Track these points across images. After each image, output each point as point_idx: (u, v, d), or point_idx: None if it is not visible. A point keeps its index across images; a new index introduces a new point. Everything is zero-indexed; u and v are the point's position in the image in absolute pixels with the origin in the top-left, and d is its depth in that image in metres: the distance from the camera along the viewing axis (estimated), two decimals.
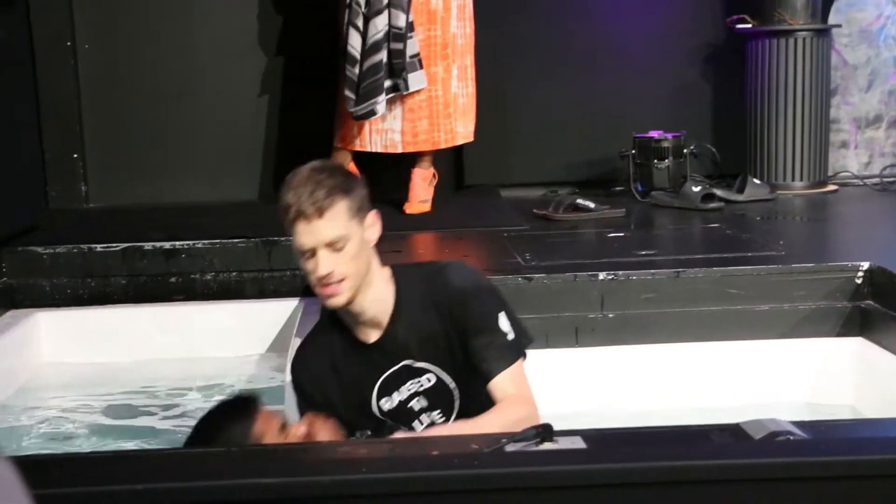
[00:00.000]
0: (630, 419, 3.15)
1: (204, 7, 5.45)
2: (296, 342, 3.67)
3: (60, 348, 4.12)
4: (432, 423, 2.44)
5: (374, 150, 4.80)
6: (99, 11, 5.40)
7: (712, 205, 4.85)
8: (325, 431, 2.33)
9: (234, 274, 4.35)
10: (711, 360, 3.50)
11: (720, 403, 3.32)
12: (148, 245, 4.31)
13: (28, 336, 4.05)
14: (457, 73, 4.78)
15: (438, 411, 2.44)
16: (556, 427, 1.92)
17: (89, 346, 4.13)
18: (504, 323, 2.41)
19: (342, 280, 2.31)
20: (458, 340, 2.41)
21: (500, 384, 2.37)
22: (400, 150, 4.80)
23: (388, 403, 2.44)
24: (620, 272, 3.63)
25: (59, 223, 4.85)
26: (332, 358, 2.46)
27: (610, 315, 3.58)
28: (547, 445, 1.88)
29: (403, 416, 2.44)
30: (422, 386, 2.44)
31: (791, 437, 1.86)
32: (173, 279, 4.31)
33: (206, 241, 4.36)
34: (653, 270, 3.66)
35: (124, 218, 5.03)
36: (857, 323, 3.55)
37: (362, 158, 4.90)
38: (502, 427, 2.18)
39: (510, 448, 1.87)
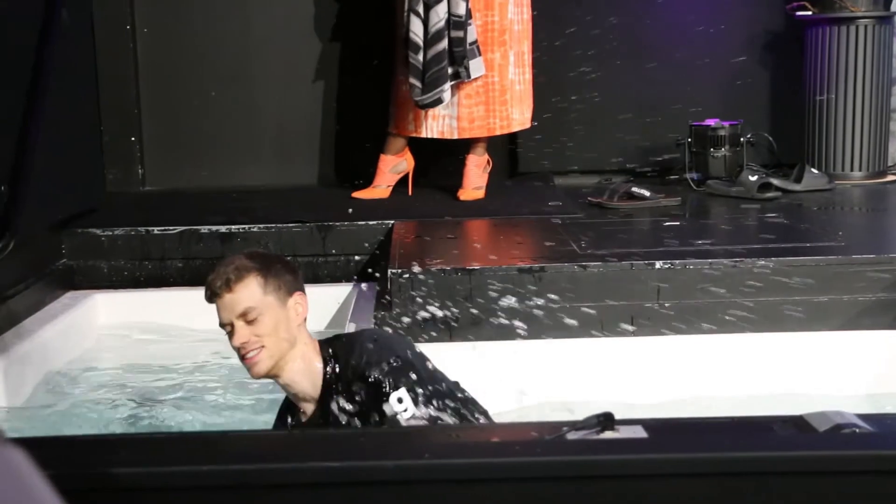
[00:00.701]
0: (688, 409, 3.13)
1: None
2: (350, 326, 3.69)
3: (117, 329, 4.16)
4: None
5: (429, 136, 4.80)
6: None
7: (769, 194, 4.80)
8: None
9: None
10: (770, 350, 3.46)
11: (779, 394, 3.29)
12: (204, 228, 4.35)
13: (86, 316, 4.10)
14: (514, 60, 4.76)
15: None
16: (616, 415, 1.91)
17: (146, 328, 4.17)
18: (406, 402, 2.39)
19: (260, 349, 2.41)
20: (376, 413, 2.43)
21: None
22: (456, 136, 4.79)
23: None
24: (677, 261, 3.61)
25: (117, 206, 4.90)
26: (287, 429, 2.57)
27: (666, 304, 3.56)
28: (608, 434, 1.87)
29: None
30: None
31: (857, 430, 1.83)
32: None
33: (261, 226, 4.39)
34: (710, 260, 3.63)
35: (180, 201, 5.07)
36: None
37: (416, 144, 4.91)
38: None
39: (571, 436, 1.86)
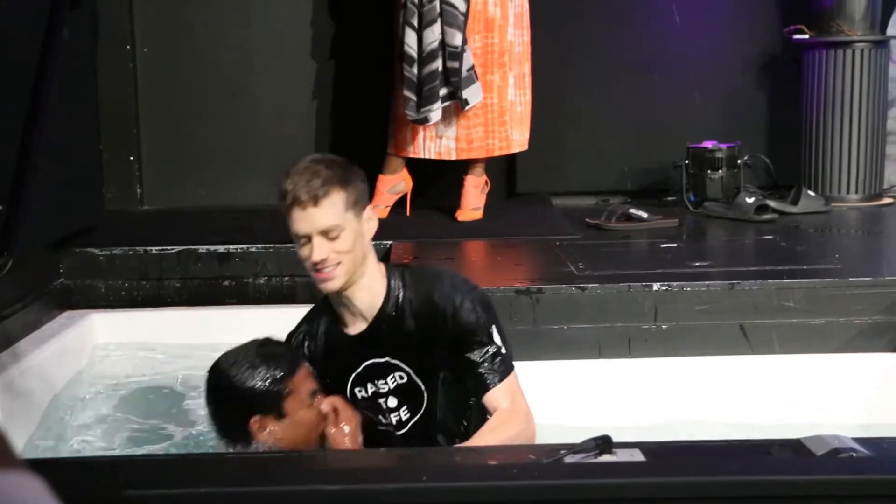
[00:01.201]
0: (684, 431, 3.13)
1: (260, 11, 5.49)
2: None
3: (115, 349, 4.16)
4: (400, 420, 2.53)
5: (427, 157, 4.81)
6: (158, 15, 5.46)
7: (766, 216, 4.81)
8: (347, 414, 2.40)
9: (286, 278, 4.38)
10: (766, 373, 3.47)
11: (775, 417, 3.29)
12: (202, 248, 4.35)
13: (84, 336, 4.10)
14: (514, 82, 4.78)
15: (406, 408, 2.53)
16: (614, 438, 1.92)
17: (143, 348, 4.17)
18: (497, 337, 2.48)
19: (337, 265, 2.40)
20: (445, 349, 2.47)
21: (494, 398, 2.46)
22: (454, 157, 4.81)
23: (361, 392, 2.54)
24: (674, 283, 3.61)
25: (115, 225, 4.90)
26: (317, 343, 2.58)
27: (664, 326, 3.57)
28: (606, 457, 1.88)
29: (375, 408, 2.54)
30: (395, 383, 2.52)
31: (854, 454, 1.84)
32: (226, 283, 4.34)
33: (259, 245, 4.39)
34: (707, 282, 3.64)
35: (179, 221, 5.08)
36: None
37: (415, 165, 4.92)
38: (508, 437, 2.33)
39: (569, 459, 1.87)
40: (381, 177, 4.95)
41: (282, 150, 5.55)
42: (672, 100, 5.52)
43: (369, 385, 2.54)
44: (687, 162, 5.16)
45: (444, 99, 4.62)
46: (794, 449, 1.91)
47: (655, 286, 3.60)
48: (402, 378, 2.52)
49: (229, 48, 5.49)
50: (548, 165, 5.51)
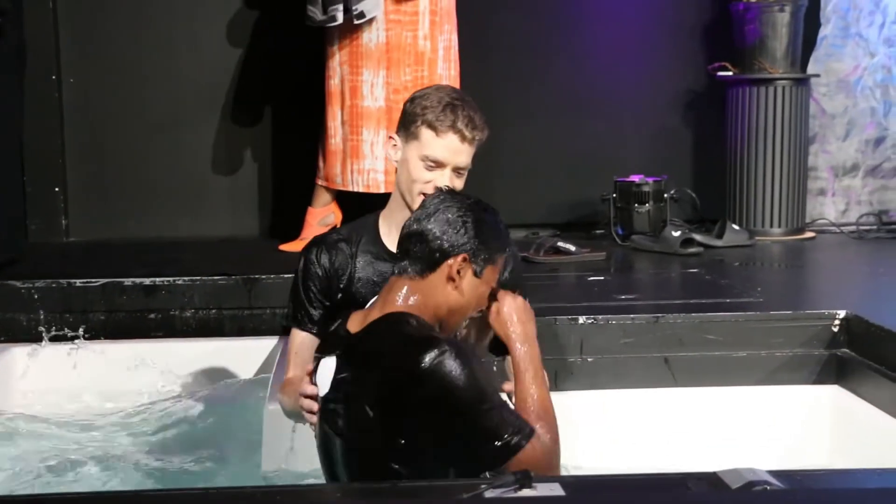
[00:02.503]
0: (607, 464, 3.15)
1: (188, 42, 5.47)
2: (275, 380, 3.66)
3: (37, 383, 4.09)
4: None
5: (356, 190, 4.81)
6: (85, 45, 5.41)
7: (691, 249, 4.89)
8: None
9: (213, 311, 4.34)
10: (689, 405, 3.51)
11: (697, 449, 3.33)
12: (128, 281, 4.29)
13: (5, 371, 4.02)
14: None
15: None
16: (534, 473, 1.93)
17: (66, 381, 4.10)
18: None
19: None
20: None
21: None
22: (382, 190, 4.81)
23: None
24: (600, 316, 3.65)
25: (39, 257, 4.83)
26: (355, 251, 2.61)
27: (589, 359, 3.60)
28: (526, 492, 1.88)
29: None
30: None
31: (768, 487, 1.86)
32: (153, 315, 4.29)
33: (186, 278, 4.35)
34: (632, 315, 3.68)
35: (104, 253, 5.02)
36: (833, 371, 3.57)
37: (344, 197, 4.92)
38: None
39: (489, 494, 1.87)
40: (310, 209, 4.95)
41: (210, 182, 5.54)
42: (600, 134, 5.60)
43: None
44: (614, 195, 5.22)
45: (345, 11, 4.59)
46: (711, 482, 1.93)
47: (581, 319, 3.63)
48: None
49: (156, 79, 5.45)
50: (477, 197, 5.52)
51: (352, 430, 2.18)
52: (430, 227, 2.23)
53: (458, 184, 2.50)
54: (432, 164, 2.50)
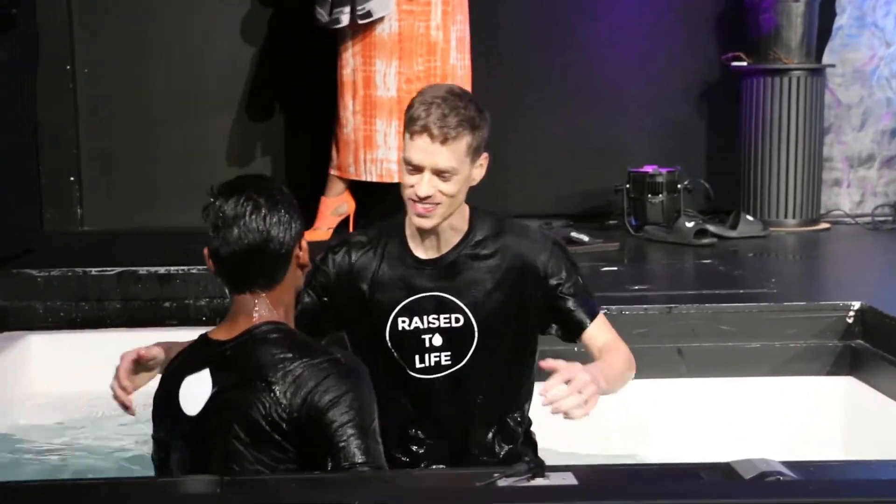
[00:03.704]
0: (619, 454, 3.15)
1: (202, 32, 5.47)
2: None
3: (52, 371, 4.11)
4: (439, 363, 2.47)
5: (369, 180, 4.82)
6: (99, 35, 5.43)
7: (705, 240, 4.88)
8: None
9: (227, 300, 4.33)
10: (702, 396, 3.51)
11: (710, 440, 3.33)
12: (143, 270, 4.31)
13: (20, 359, 4.05)
14: None
15: (449, 354, 2.47)
16: (548, 462, 1.93)
17: (82, 370, 4.11)
18: (584, 283, 2.56)
19: (437, 204, 2.37)
20: (531, 301, 2.49)
21: (596, 333, 2.53)
22: (395, 180, 4.79)
23: (404, 324, 2.47)
24: (613, 307, 3.64)
25: (54, 246, 4.85)
26: (380, 254, 2.51)
27: None
28: (539, 481, 1.89)
29: (412, 343, 2.47)
30: (447, 323, 2.46)
31: (781, 478, 1.86)
32: (167, 304, 4.31)
33: (200, 267, 4.35)
34: (645, 305, 3.68)
35: (119, 242, 5.03)
36: (847, 362, 3.57)
37: (357, 186, 4.93)
38: (624, 364, 2.50)
39: (502, 483, 1.88)
40: (323, 199, 4.96)
41: (224, 172, 5.54)
42: (613, 124, 5.58)
43: (416, 318, 2.45)
44: (628, 186, 5.22)
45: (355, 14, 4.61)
46: (724, 472, 1.93)
47: None
48: (457, 321, 2.45)
49: (170, 69, 5.47)
50: (490, 188, 5.47)
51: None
52: (269, 232, 2.12)
53: (447, 188, 2.35)
54: (411, 168, 2.36)
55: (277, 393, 2.07)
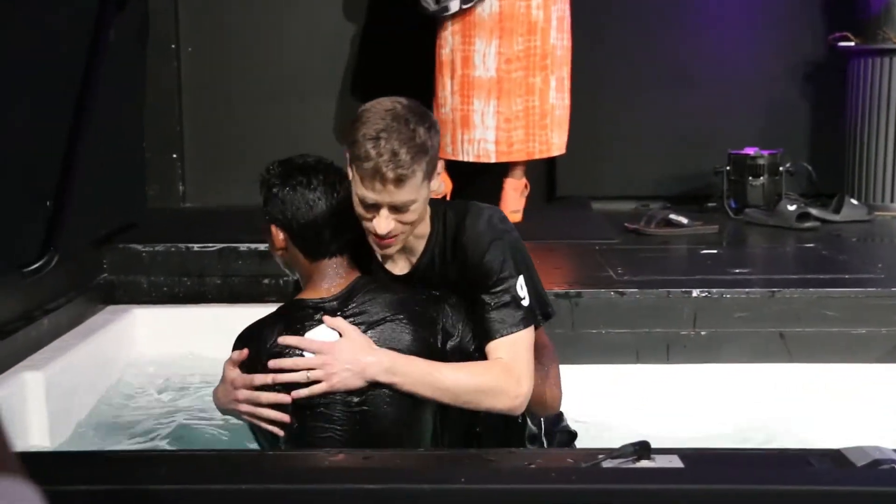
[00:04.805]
0: (722, 438, 3.12)
1: (302, 14, 5.52)
2: None
3: (156, 344, 4.20)
4: None
5: (466, 160, 4.82)
6: (202, 15, 5.51)
7: (807, 224, 4.78)
8: None
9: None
10: (806, 382, 3.45)
11: (814, 426, 3.27)
12: (243, 246, 4.38)
13: (125, 331, 4.14)
14: (555, 85, 4.78)
15: None
16: (652, 444, 1.92)
17: (184, 343, 4.20)
18: (519, 288, 2.27)
19: (399, 234, 2.23)
20: (466, 292, 2.30)
21: (494, 350, 2.25)
22: (493, 160, 4.81)
23: None
24: (714, 290, 3.61)
25: (158, 222, 4.95)
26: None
27: (703, 333, 3.56)
28: (644, 463, 1.88)
29: None
30: None
31: (895, 466, 1.83)
32: (266, 280, 4.37)
33: None
34: (747, 289, 3.63)
35: (220, 218, 5.11)
36: None
37: (454, 167, 4.93)
38: (465, 385, 2.20)
39: (607, 464, 1.87)
40: None
41: (323, 149, 5.57)
42: (714, 105, 5.50)
43: None
44: (728, 168, 5.14)
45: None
46: (835, 459, 1.90)
47: (695, 292, 3.60)
48: None
49: (271, 49, 5.53)
50: (587, 169, 5.50)
51: None
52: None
53: (408, 217, 2.20)
54: (367, 205, 2.19)
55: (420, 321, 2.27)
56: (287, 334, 2.29)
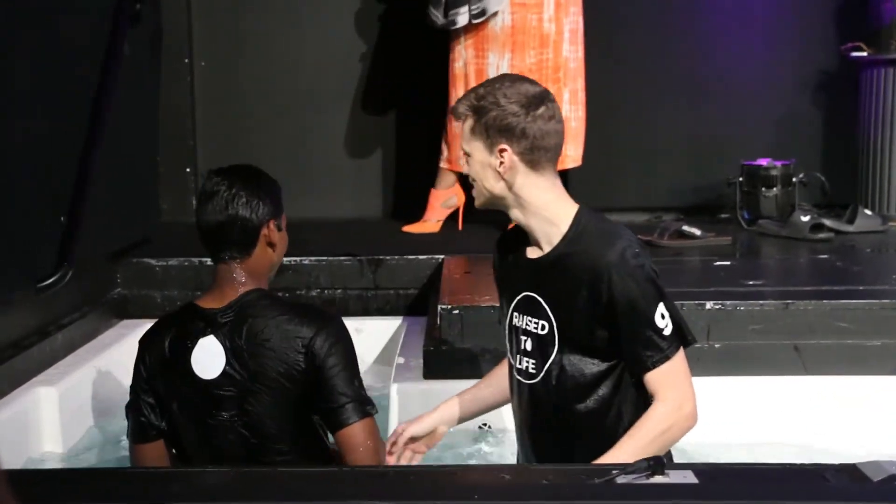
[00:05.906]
0: (737, 453, 3.10)
1: (315, 27, 5.54)
2: (399, 360, 3.71)
3: None
4: (527, 369, 2.44)
5: None
6: (216, 30, 5.54)
7: (821, 235, 4.76)
8: None
9: (338, 291, 4.41)
10: (820, 394, 3.43)
11: (829, 440, 3.25)
12: None
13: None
14: (568, 97, 4.79)
15: (533, 363, 2.43)
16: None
17: None
18: (659, 318, 2.34)
19: (474, 181, 2.45)
20: (600, 317, 2.33)
21: (651, 382, 2.35)
22: None
23: (516, 320, 2.48)
24: (728, 302, 3.60)
25: (171, 236, 4.96)
26: (503, 253, 2.57)
27: (716, 345, 3.55)
28: (658, 479, 1.87)
29: (514, 343, 2.49)
30: (536, 329, 2.42)
31: None
32: (279, 294, 4.35)
33: (312, 258, 4.43)
34: (761, 301, 3.62)
35: None
36: None
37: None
38: (647, 449, 2.22)
39: (621, 480, 1.87)
40: (433, 191, 4.98)
41: (335, 163, 5.61)
42: (726, 116, 5.50)
43: (524, 317, 2.44)
44: (741, 179, 5.13)
45: (474, 15, 4.64)
46: (851, 474, 1.89)
47: (709, 305, 3.59)
48: (543, 329, 2.40)
49: (284, 63, 5.55)
50: (601, 181, 5.49)
51: None
52: (237, 211, 2.46)
53: (469, 167, 2.45)
54: None
55: (283, 349, 2.40)
56: (175, 336, 2.47)
